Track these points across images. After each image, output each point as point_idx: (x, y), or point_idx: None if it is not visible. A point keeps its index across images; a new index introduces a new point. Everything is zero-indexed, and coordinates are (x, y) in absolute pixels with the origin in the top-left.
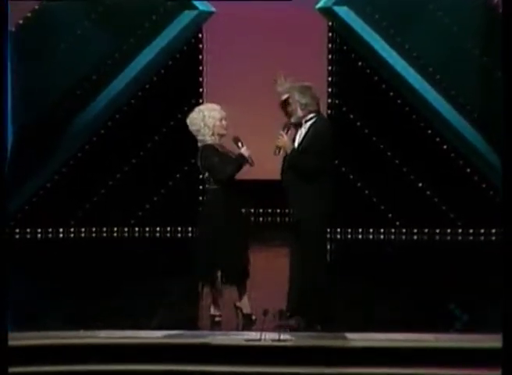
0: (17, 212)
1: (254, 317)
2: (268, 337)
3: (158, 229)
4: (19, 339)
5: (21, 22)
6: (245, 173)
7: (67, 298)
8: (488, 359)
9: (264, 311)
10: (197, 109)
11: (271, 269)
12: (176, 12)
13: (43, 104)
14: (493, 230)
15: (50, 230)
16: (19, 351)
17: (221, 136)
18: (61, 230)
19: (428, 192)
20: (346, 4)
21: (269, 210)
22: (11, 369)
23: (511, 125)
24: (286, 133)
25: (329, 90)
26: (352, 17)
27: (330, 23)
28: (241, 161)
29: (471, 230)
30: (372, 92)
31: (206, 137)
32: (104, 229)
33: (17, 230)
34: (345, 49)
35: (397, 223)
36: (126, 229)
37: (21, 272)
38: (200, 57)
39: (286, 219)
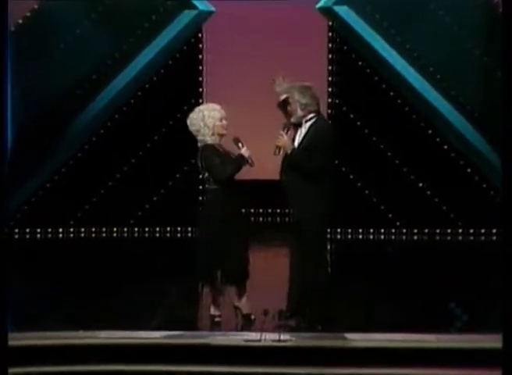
0: (16, 212)
1: (253, 317)
2: (268, 338)
3: (157, 229)
4: (18, 339)
5: (20, 21)
6: (245, 173)
7: (67, 298)
8: (489, 360)
9: (265, 311)
10: (196, 109)
11: (271, 270)
12: (176, 12)
13: (42, 104)
14: (494, 230)
15: (49, 230)
16: (19, 351)
17: (221, 136)
18: (60, 230)
19: (429, 192)
20: (346, 3)
21: (269, 210)
22: (11, 370)
23: (511, 125)
24: (286, 133)
25: (329, 90)
26: (352, 17)
27: (330, 23)
28: (241, 161)
29: (472, 230)
30: (372, 92)
31: (206, 137)
32: (104, 229)
33: (16, 230)
34: (345, 49)
35: (398, 223)
36: (125, 229)
37: (20, 272)
38: (200, 57)
39: (286, 219)
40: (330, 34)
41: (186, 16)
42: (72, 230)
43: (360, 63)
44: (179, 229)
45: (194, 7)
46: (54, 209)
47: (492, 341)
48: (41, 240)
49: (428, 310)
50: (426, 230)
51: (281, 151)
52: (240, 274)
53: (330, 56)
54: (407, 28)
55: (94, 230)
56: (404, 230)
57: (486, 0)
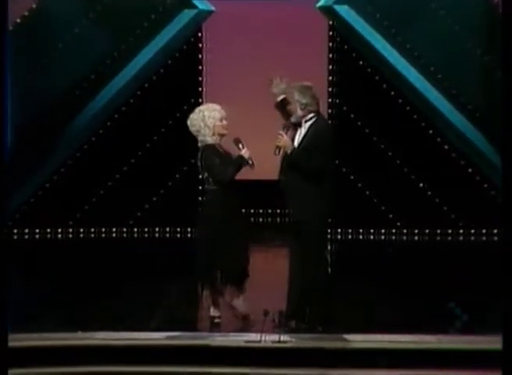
0: (15, 213)
1: (248, 317)
2: (269, 339)
3: (157, 229)
4: (18, 340)
5: (19, 21)
6: (245, 174)
7: (66, 299)
8: (489, 361)
9: (265, 312)
10: (197, 110)
11: (271, 270)
12: (176, 11)
13: (40, 103)
14: (495, 231)
15: (48, 230)
16: (18, 352)
17: (221, 136)
18: (59, 230)
19: (430, 192)
20: (346, 3)
21: (269, 210)
22: (11, 371)
23: (511, 125)
24: (286, 133)
25: (330, 89)
26: (353, 16)
27: (331, 22)
28: (241, 162)
29: (473, 231)
30: (373, 92)
31: (206, 137)
32: (103, 229)
33: (15, 231)
34: (346, 48)
35: (398, 224)
36: (124, 229)
37: (19, 273)
38: (200, 56)
39: (286, 219)
40: (330, 34)
41: (186, 16)
42: (71, 230)
43: (360, 63)
44: (178, 229)
45: (194, 6)
46: (53, 209)
47: (493, 343)
48: (40, 240)
49: (429, 311)
50: (427, 231)
51: (281, 151)
52: (240, 274)
53: (330, 56)
54: (407, 27)
55: (93, 230)
56: (405, 231)
57: None
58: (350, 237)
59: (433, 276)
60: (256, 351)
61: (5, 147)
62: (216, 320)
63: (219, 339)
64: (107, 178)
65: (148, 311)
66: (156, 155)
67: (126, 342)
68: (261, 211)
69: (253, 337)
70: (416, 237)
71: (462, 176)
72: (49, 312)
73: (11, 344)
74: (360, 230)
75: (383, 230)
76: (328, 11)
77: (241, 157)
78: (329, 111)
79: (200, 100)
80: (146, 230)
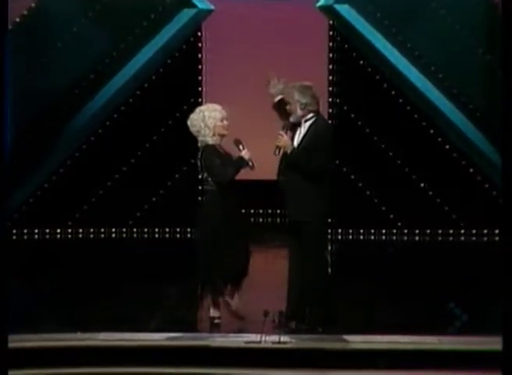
0: (14, 213)
1: (242, 315)
2: (269, 340)
3: (156, 230)
4: (18, 341)
5: (18, 20)
6: (245, 174)
7: (65, 299)
8: (490, 362)
9: (265, 312)
10: (197, 110)
11: (271, 270)
12: (175, 11)
13: (39, 103)
14: (496, 231)
15: (47, 230)
16: (18, 353)
17: (222, 136)
18: (58, 230)
19: (430, 192)
20: (347, 2)
21: (269, 210)
22: (11, 373)
23: (511, 125)
24: (286, 133)
25: (330, 89)
26: (353, 15)
27: (331, 22)
28: (241, 164)
29: (474, 231)
30: (374, 91)
31: (207, 137)
32: (103, 230)
33: (14, 231)
34: (346, 48)
35: (399, 224)
36: (124, 230)
37: (18, 273)
38: (200, 56)
39: (286, 219)
40: (331, 33)
41: (186, 15)
42: (70, 230)
43: (361, 62)
44: (178, 230)
45: (194, 5)
46: (52, 210)
47: (492, 343)
48: (39, 240)
49: (430, 312)
50: (428, 231)
51: (281, 151)
52: (240, 275)
53: (331, 55)
54: (408, 27)
55: (92, 230)
56: (406, 231)
57: None
58: (350, 237)
59: (434, 277)
60: (256, 352)
61: (6, 147)
62: (216, 321)
63: (219, 340)
64: (106, 178)
65: (148, 312)
66: (156, 155)
67: (126, 343)
68: (261, 211)
69: (253, 337)
70: (417, 238)
71: (463, 177)
72: (49, 313)
73: (11, 345)
74: (361, 231)
75: (384, 231)
76: (328, 10)
77: (241, 158)
78: (330, 110)
79: (199, 100)
80: (145, 230)
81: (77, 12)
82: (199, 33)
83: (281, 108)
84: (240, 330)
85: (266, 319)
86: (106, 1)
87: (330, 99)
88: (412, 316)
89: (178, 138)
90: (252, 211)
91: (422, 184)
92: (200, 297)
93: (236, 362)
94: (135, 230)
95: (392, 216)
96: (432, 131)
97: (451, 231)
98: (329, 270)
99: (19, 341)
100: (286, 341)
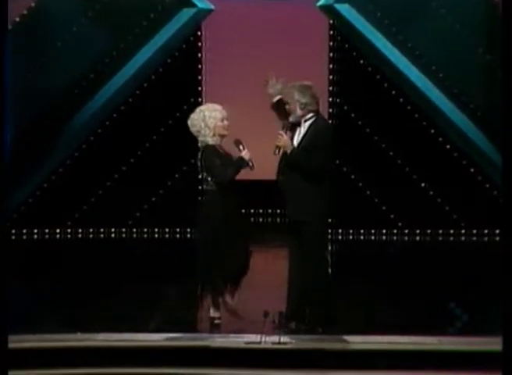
0: (13, 213)
1: (241, 315)
2: (269, 340)
3: (156, 230)
4: (18, 342)
5: (17, 19)
6: (245, 174)
7: (65, 300)
8: (490, 362)
9: (265, 313)
10: (197, 110)
11: (271, 271)
12: (175, 10)
13: (39, 102)
14: (497, 231)
15: (47, 230)
16: (18, 354)
17: (222, 136)
18: (58, 230)
19: (431, 192)
20: (347, 1)
21: (269, 210)
22: (11, 373)
23: (511, 124)
24: (286, 132)
25: (330, 88)
26: (353, 15)
27: (331, 21)
28: (241, 164)
29: (475, 231)
30: (374, 91)
31: (207, 137)
32: (102, 230)
33: (13, 231)
34: (346, 47)
35: (399, 224)
36: (123, 230)
37: (17, 273)
38: (199, 55)
39: (286, 219)
40: (331, 32)
41: (185, 14)
42: (69, 230)
43: (361, 62)
44: (178, 230)
45: (193, 5)
46: (51, 210)
47: (493, 344)
48: (39, 240)
49: (431, 312)
50: (428, 231)
51: (281, 151)
52: (240, 275)
53: (331, 55)
54: (408, 26)
55: (91, 230)
56: (406, 231)
57: None
58: (350, 237)
59: (434, 277)
60: (256, 353)
61: (6, 147)
62: (216, 321)
63: (219, 340)
64: (106, 178)
65: (148, 312)
66: (156, 155)
67: (126, 343)
68: (261, 211)
69: (253, 338)
70: (417, 238)
71: (464, 176)
72: (49, 313)
73: (11, 345)
74: (361, 231)
75: (384, 231)
76: (328, 10)
77: (241, 158)
78: (330, 110)
79: (199, 99)
80: (145, 230)
81: (77, 11)
82: (199, 33)
83: (280, 108)
84: (240, 331)
85: (266, 319)
86: (106, 0)
87: (330, 99)
88: (412, 317)
89: (178, 138)
90: (252, 211)
91: (423, 184)
92: (200, 297)
93: (236, 362)
94: (135, 230)
95: (392, 215)
96: (432, 131)
97: (452, 231)
98: (329, 270)
99: (19, 342)
100: (286, 341)
